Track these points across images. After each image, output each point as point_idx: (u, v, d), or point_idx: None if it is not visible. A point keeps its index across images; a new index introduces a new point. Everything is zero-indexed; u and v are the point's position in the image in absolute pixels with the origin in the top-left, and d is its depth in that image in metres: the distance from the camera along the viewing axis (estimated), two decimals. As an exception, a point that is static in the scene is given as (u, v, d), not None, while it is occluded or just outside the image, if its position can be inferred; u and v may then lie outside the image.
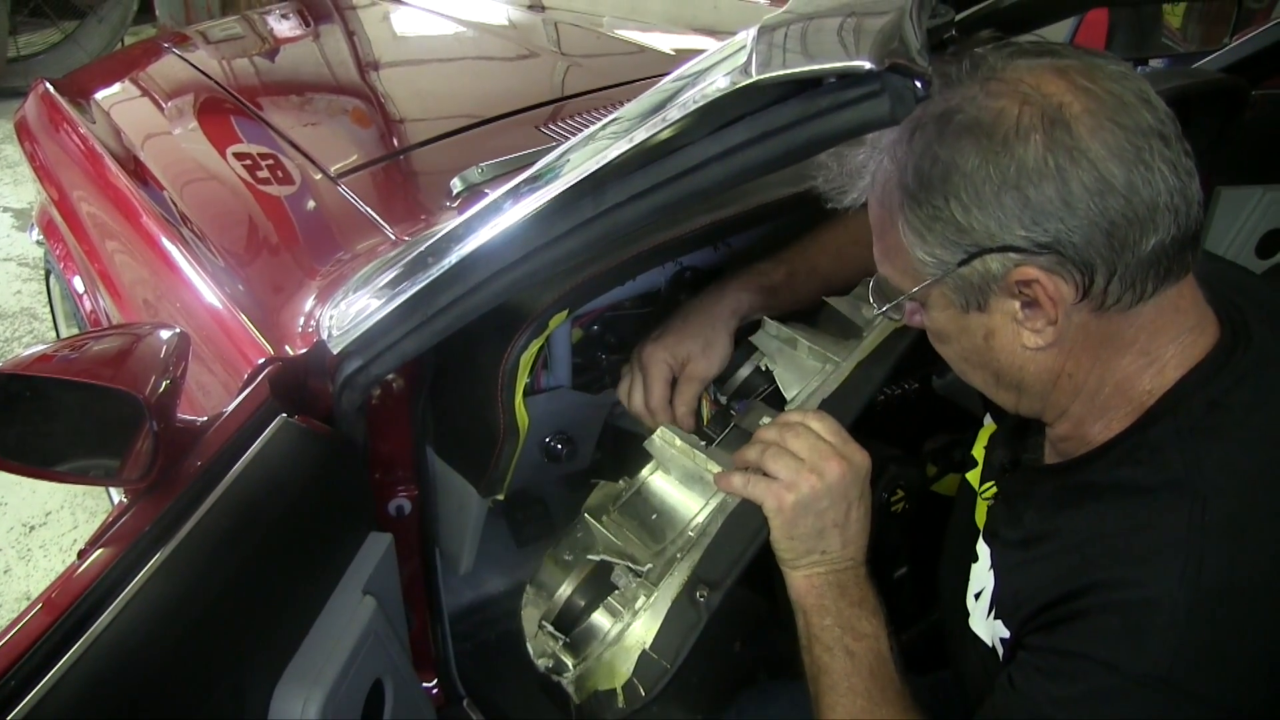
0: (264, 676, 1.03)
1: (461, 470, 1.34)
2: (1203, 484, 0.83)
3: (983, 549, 1.05)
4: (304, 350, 1.19)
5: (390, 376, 1.20)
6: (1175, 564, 0.81)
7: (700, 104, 0.85)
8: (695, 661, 1.10)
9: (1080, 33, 2.70)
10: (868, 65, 0.77)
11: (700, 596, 1.08)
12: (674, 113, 0.88)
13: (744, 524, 1.10)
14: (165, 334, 1.07)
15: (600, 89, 1.85)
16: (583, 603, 1.17)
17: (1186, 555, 0.81)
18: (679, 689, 1.11)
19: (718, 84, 0.86)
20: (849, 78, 0.80)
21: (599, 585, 1.18)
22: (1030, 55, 0.84)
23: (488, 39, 2.46)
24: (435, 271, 1.04)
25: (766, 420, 1.19)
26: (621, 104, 0.96)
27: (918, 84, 0.78)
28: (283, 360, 1.19)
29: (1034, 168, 0.79)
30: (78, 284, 2.16)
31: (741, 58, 0.84)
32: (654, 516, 1.20)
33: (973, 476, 1.16)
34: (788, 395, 1.24)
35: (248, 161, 1.77)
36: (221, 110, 2.09)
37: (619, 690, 1.08)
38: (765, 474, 1.07)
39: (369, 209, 1.48)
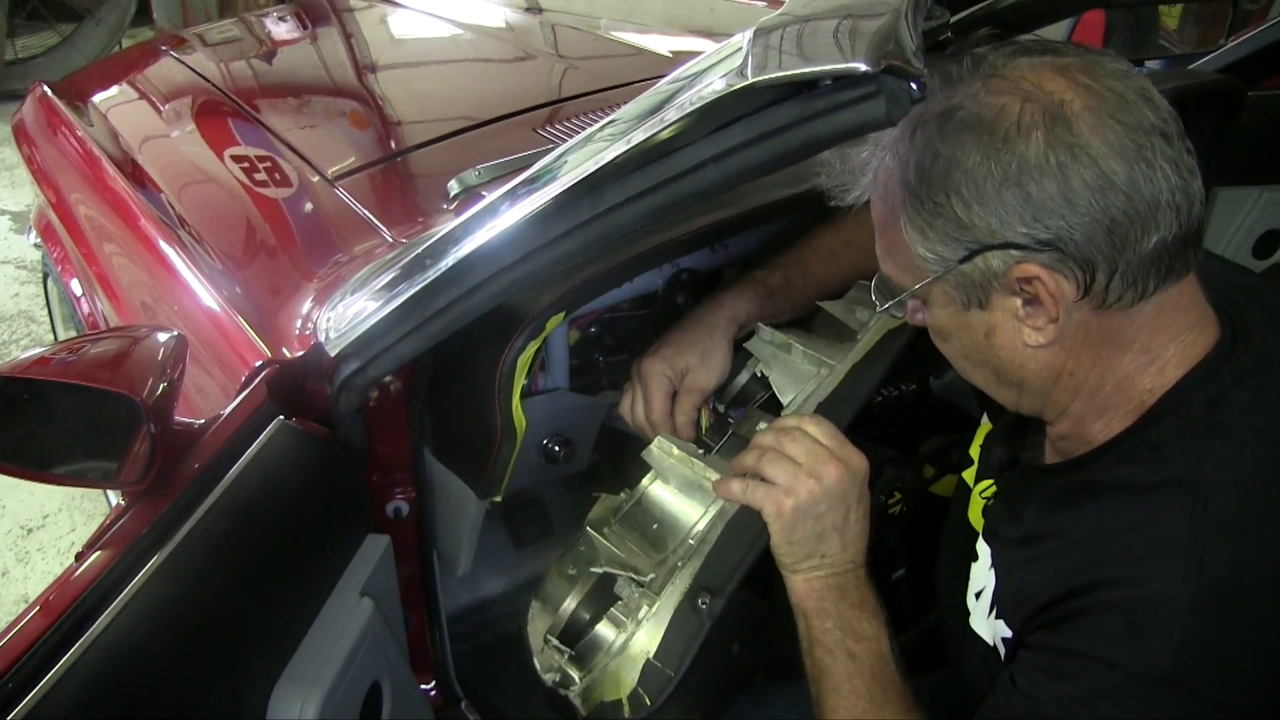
0: (262, 678, 1.03)
1: (459, 472, 1.34)
2: (1204, 482, 0.83)
3: (982, 548, 1.05)
4: (301, 353, 1.19)
5: (388, 379, 1.20)
6: (1177, 562, 0.81)
7: (697, 106, 0.85)
8: (694, 664, 1.10)
9: (1077, 34, 2.70)
10: (863, 67, 0.77)
11: (702, 604, 1.08)
12: (671, 114, 0.88)
13: (744, 530, 1.10)
14: (163, 336, 1.07)
15: (597, 91, 1.86)
16: (587, 616, 1.17)
17: (1188, 553, 0.81)
18: (679, 692, 1.11)
19: (714, 86, 0.86)
20: (845, 80, 0.80)
21: (603, 597, 1.18)
22: (1032, 53, 0.84)
23: (485, 41, 2.46)
24: (432, 274, 1.04)
25: (764, 427, 1.19)
26: (619, 106, 0.96)
27: (913, 86, 0.79)
28: (280, 363, 1.19)
29: (1035, 164, 0.79)
30: (75, 287, 2.16)
31: (738, 60, 0.84)
32: (655, 526, 1.20)
33: (968, 475, 1.16)
34: (784, 400, 1.24)
35: (245, 164, 1.77)
36: (219, 113, 2.09)
37: (625, 700, 1.08)
38: (763, 479, 1.07)
39: (366, 211, 1.48)
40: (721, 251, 1.41)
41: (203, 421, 1.10)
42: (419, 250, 1.06)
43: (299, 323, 1.26)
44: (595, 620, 1.16)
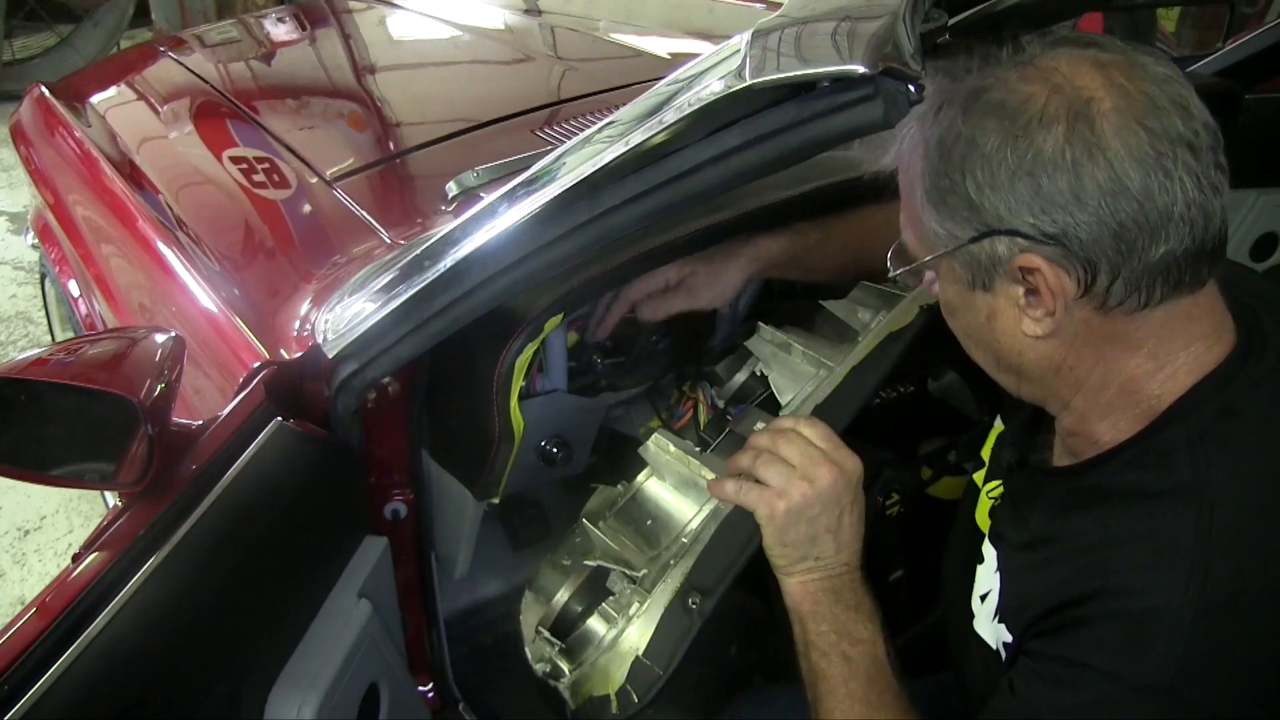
0: (259, 680, 1.03)
1: (457, 474, 1.34)
2: (1211, 491, 0.82)
3: (989, 550, 1.05)
4: (299, 354, 1.19)
5: (386, 380, 1.20)
6: (1180, 573, 0.81)
7: (695, 108, 0.85)
8: (691, 664, 1.10)
9: (1080, 26, 2.70)
10: (861, 69, 0.77)
11: (693, 603, 1.08)
12: (669, 116, 0.88)
13: (736, 531, 1.10)
14: (160, 338, 1.07)
15: (596, 93, 1.86)
16: (579, 608, 1.17)
17: (1192, 564, 0.80)
18: (674, 692, 1.11)
19: (712, 88, 0.86)
20: (843, 81, 0.80)
21: (596, 591, 1.18)
22: (1075, 45, 0.83)
23: (483, 43, 2.46)
24: (431, 275, 1.04)
25: (761, 426, 1.19)
26: (617, 108, 0.96)
27: (911, 88, 0.79)
28: (278, 364, 1.18)
29: (1050, 158, 0.79)
30: (73, 288, 2.15)
31: (736, 62, 0.84)
32: (649, 522, 1.20)
33: (978, 476, 1.16)
34: (782, 400, 1.24)
35: (243, 165, 1.77)
36: (217, 114, 2.09)
37: (613, 696, 1.08)
38: (757, 481, 1.07)
39: (364, 213, 1.48)
40: (720, 253, 1.41)
41: (200, 423, 1.10)
42: (417, 252, 1.06)
43: (297, 324, 1.26)
44: (587, 614, 1.16)
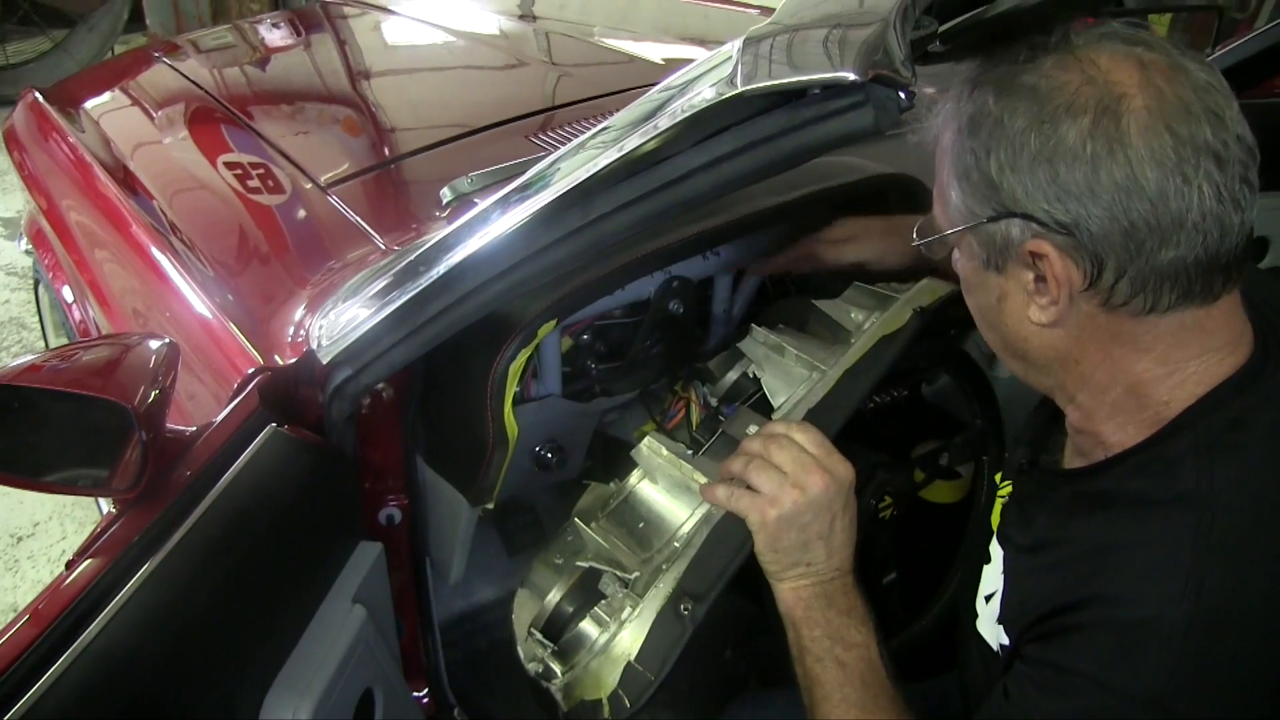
0: (253, 686, 1.03)
1: (451, 479, 1.35)
2: (1213, 500, 0.82)
3: (995, 551, 1.05)
4: (294, 360, 1.19)
5: (380, 386, 1.20)
6: (1175, 583, 0.80)
7: (686, 115, 0.86)
8: (686, 668, 1.10)
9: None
10: (851, 76, 0.78)
11: (685, 609, 1.08)
12: (663, 121, 0.89)
13: (728, 536, 1.10)
14: (154, 344, 1.07)
15: (590, 98, 1.86)
16: (571, 609, 1.17)
17: (1188, 573, 0.80)
18: (670, 696, 1.11)
19: (704, 94, 0.86)
20: (833, 89, 0.81)
21: (587, 592, 1.18)
22: (1122, 41, 0.83)
23: (478, 48, 2.46)
24: (425, 281, 1.05)
25: (753, 428, 1.19)
26: (611, 114, 0.97)
27: (901, 94, 0.79)
28: (272, 370, 1.19)
29: (1070, 147, 0.80)
30: (67, 293, 2.15)
31: (727, 69, 0.85)
32: (641, 525, 1.20)
33: (998, 476, 1.17)
34: (774, 403, 1.24)
35: (238, 171, 1.77)
36: (212, 119, 2.09)
37: (605, 701, 1.08)
38: (750, 486, 1.07)
39: (359, 218, 1.49)
40: (713, 258, 1.42)
41: (195, 429, 1.10)
42: (412, 257, 1.07)
43: (291, 330, 1.26)
44: (578, 615, 1.16)
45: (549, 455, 1.40)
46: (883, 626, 1.09)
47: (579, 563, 1.19)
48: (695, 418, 1.29)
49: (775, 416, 1.22)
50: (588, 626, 1.15)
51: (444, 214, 1.37)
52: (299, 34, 2.73)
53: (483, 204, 1.03)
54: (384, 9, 2.78)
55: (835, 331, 1.30)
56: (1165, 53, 0.83)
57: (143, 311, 1.72)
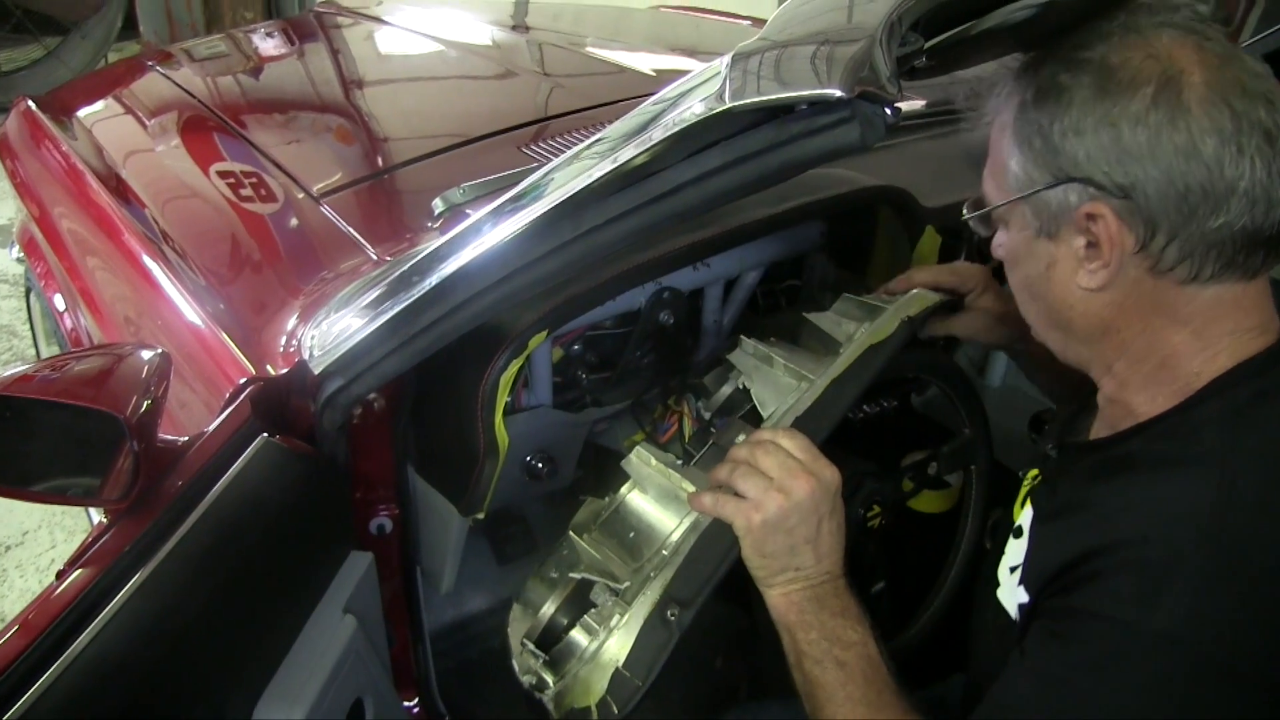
0: (244, 696, 1.03)
1: (442, 489, 1.35)
2: (1236, 463, 0.85)
3: (1025, 521, 1.07)
4: (286, 370, 1.19)
5: (372, 396, 1.21)
6: (1197, 527, 0.83)
7: (676, 130, 0.87)
8: (677, 678, 1.10)
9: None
10: (838, 93, 0.79)
11: (671, 615, 1.09)
12: (656, 134, 0.90)
13: (715, 543, 1.11)
14: (147, 354, 1.07)
15: (582, 110, 1.87)
16: (565, 621, 1.18)
17: (1210, 520, 0.83)
18: (660, 705, 1.11)
19: (694, 110, 0.87)
20: (820, 105, 0.81)
21: (581, 603, 1.18)
22: (1180, 29, 0.88)
23: (471, 59, 2.47)
24: (417, 292, 1.05)
25: (743, 438, 1.20)
26: (603, 124, 0.97)
27: (887, 110, 0.80)
28: (264, 380, 1.19)
29: (1135, 113, 0.84)
30: (59, 302, 2.15)
31: (716, 84, 0.86)
32: (631, 535, 1.21)
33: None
34: (764, 413, 1.25)
35: (230, 180, 1.78)
36: (204, 128, 2.09)
37: (593, 707, 1.09)
38: (736, 493, 1.08)
39: (351, 229, 1.49)
40: (703, 270, 1.43)
41: (186, 439, 1.10)
42: (404, 268, 1.07)
43: (283, 340, 1.26)
44: (571, 626, 1.17)
45: (540, 465, 1.40)
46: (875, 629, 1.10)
47: (572, 575, 1.19)
48: (688, 430, 1.30)
49: (764, 425, 1.22)
50: (578, 635, 1.15)
51: (436, 225, 1.38)
52: (292, 43, 2.74)
53: (475, 215, 1.04)
54: (377, 19, 2.78)
55: (826, 343, 1.31)
56: (1221, 42, 0.88)
57: (135, 320, 1.72)
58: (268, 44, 2.79)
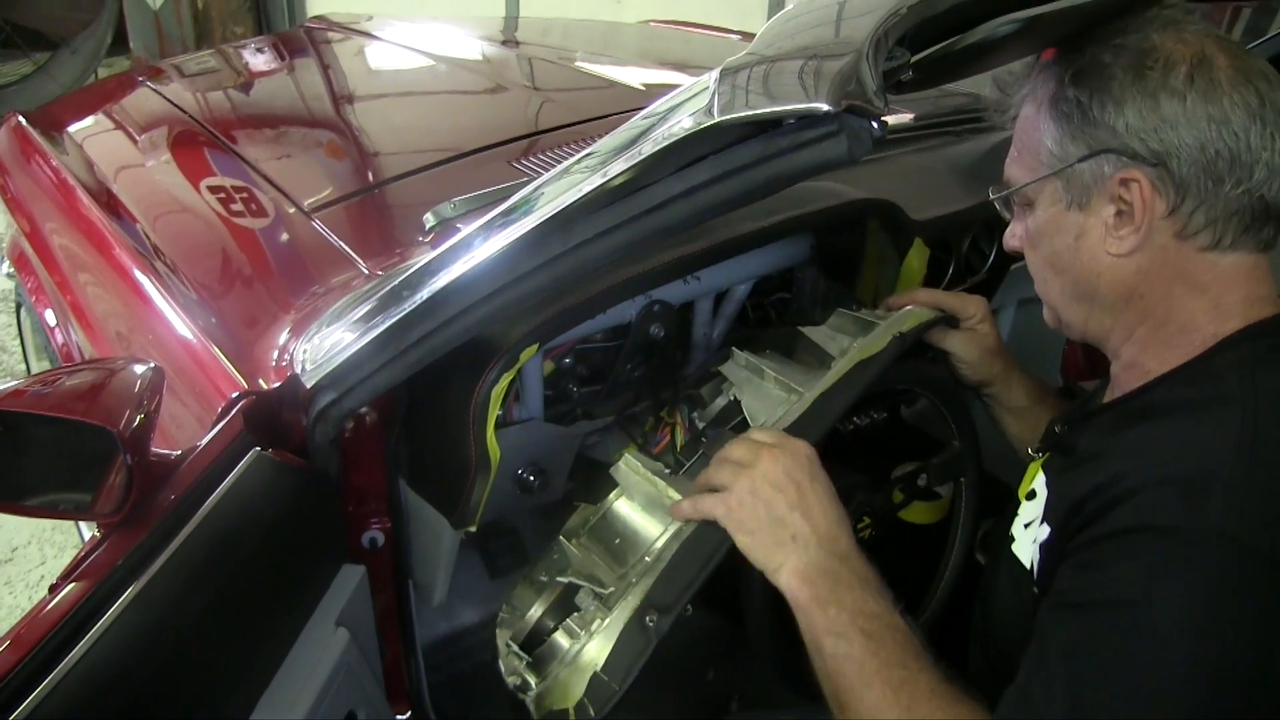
0: (237, 709, 1.03)
1: (434, 502, 1.35)
2: (1258, 404, 0.89)
3: (1039, 487, 1.09)
4: (278, 384, 1.20)
5: (363, 410, 1.21)
6: (1231, 447, 0.86)
7: (665, 144, 0.88)
8: (669, 690, 1.11)
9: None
10: (825, 107, 0.80)
11: (650, 621, 1.10)
12: (646, 148, 0.91)
13: (696, 551, 1.11)
14: (139, 368, 1.08)
15: (571, 124, 1.88)
16: (551, 624, 1.19)
17: (1239, 443, 0.86)
18: (650, 716, 1.12)
19: (683, 124, 0.88)
20: (808, 119, 0.82)
21: (567, 607, 1.19)
22: (1201, 28, 0.97)
23: (461, 74, 2.48)
24: (408, 305, 1.06)
25: None
26: (593, 139, 0.98)
27: (874, 124, 0.81)
28: (257, 394, 1.19)
29: (1172, 87, 0.92)
30: (49, 317, 2.15)
31: (705, 99, 0.87)
32: (617, 541, 1.22)
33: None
34: (753, 425, 1.26)
35: (221, 195, 1.78)
36: (195, 143, 2.10)
37: (571, 710, 1.10)
38: (713, 490, 1.09)
39: (342, 243, 1.50)
40: (693, 283, 1.43)
41: (179, 452, 1.11)
42: (395, 282, 1.08)
43: (275, 354, 1.27)
44: (556, 629, 1.18)
45: (531, 478, 1.40)
46: None
47: (559, 579, 1.20)
48: (680, 440, 1.31)
49: None
50: (560, 638, 1.16)
51: (427, 239, 1.38)
52: (283, 58, 2.75)
53: (466, 229, 1.04)
54: (368, 34, 2.79)
55: (820, 357, 1.32)
56: (1238, 43, 0.97)
57: (126, 335, 1.72)
58: (258, 59, 2.79)
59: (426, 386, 1.23)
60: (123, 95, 2.55)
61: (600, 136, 0.99)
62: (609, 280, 1.21)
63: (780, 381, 1.25)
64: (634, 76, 2.22)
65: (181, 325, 1.48)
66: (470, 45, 2.73)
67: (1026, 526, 1.07)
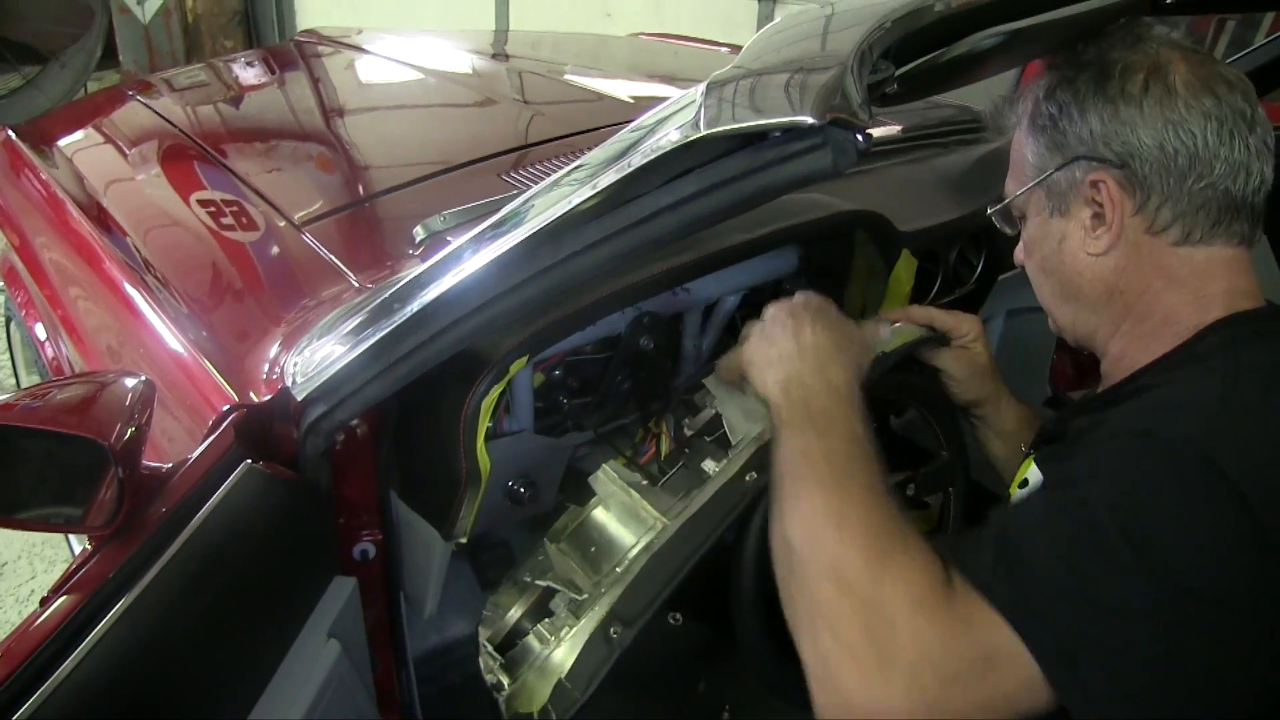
0: (229, 720, 1.03)
1: (425, 514, 1.35)
2: (1239, 372, 0.93)
3: (1033, 474, 1.11)
4: (269, 396, 1.20)
5: (354, 422, 1.21)
6: (1212, 380, 0.92)
7: (652, 156, 0.88)
8: (660, 701, 1.12)
9: (1026, 74, 2.77)
10: (810, 120, 0.81)
11: (614, 633, 1.12)
12: (635, 160, 0.91)
13: (664, 565, 1.14)
14: (130, 381, 1.08)
15: (561, 137, 1.89)
16: (528, 626, 1.21)
17: (1223, 379, 0.92)
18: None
19: (670, 137, 0.89)
20: (793, 132, 0.83)
21: (544, 610, 1.22)
22: (1166, 40, 1.04)
23: (451, 87, 2.49)
24: (398, 318, 1.06)
25: (710, 462, 1.23)
26: (582, 151, 0.99)
27: (858, 137, 0.82)
28: (248, 406, 1.20)
29: (1129, 94, 0.99)
30: (40, 331, 2.15)
31: (692, 112, 0.88)
32: (593, 549, 1.23)
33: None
34: (732, 439, 1.27)
35: (212, 208, 1.78)
36: (185, 157, 2.10)
37: (535, 714, 1.11)
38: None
39: (333, 256, 1.50)
40: (683, 294, 1.44)
41: (170, 465, 1.11)
42: (385, 295, 1.08)
43: (266, 367, 1.27)
44: (530, 632, 1.20)
45: (522, 490, 1.41)
46: None
47: (538, 582, 1.22)
48: (664, 449, 1.32)
49: (731, 452, 1.25)
50: (532, 641, 1.18)
51: (417, 252, 1.39)
52: (273, 72, 2.75)
53: (456, 242, 1.05)
54: (358, 48, 2.80)
55: None
56: (1202, 53, 1.03)
57: (117, 348, 1.72)
58: (248, 73, 2.80)
59: (417, 399, 1.23)
60: (112, 109, 2.55)
61: (589, 149, 1.00)
62: (599, 292, 1.22)
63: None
64: (623, 89, 2.23)
65: (172, 338, 1.48)
66: (460, 59, 2.74)
67: (1021, 486, 1.11)
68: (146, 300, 1.59)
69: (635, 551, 1.18)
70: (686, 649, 1.19)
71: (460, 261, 1.03)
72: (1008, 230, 1.18)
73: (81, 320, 1.86)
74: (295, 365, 1.16)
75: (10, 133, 2.43)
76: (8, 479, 1.07)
